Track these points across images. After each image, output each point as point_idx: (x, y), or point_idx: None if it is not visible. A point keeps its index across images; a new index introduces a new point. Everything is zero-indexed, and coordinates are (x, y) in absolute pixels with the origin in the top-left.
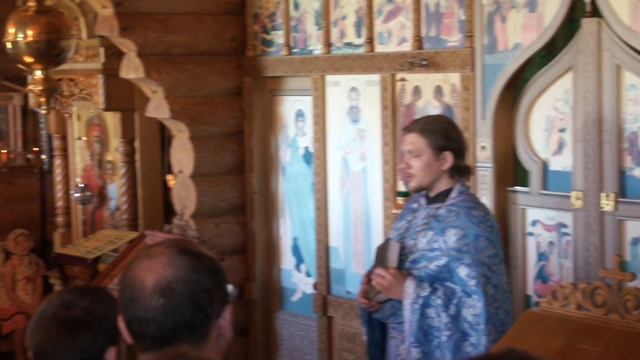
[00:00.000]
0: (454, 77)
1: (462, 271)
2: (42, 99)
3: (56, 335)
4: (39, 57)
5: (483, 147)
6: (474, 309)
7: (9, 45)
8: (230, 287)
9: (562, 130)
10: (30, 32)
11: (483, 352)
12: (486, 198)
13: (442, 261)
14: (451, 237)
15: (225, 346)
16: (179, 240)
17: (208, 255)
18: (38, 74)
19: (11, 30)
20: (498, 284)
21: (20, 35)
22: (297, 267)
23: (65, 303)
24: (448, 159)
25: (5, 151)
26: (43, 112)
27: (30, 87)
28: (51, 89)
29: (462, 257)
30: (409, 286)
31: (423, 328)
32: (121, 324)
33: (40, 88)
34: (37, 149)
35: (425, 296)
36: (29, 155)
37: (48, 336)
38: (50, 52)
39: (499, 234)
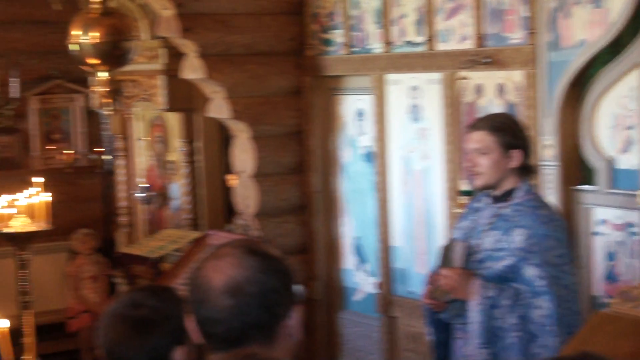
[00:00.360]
0: (517, 75)
1: (531, 271)
2: (107, 100)
3: (125, 334)
4: (104, 58)
5: (548, 146)
6: (542, 309)
7: (74, 47)
8: (298, 287)
9: (629, 128)
10: (95, 34)
11: (554, 355)
12: (551, 197)
13: (509, 261)
14: (518, 237)
15: (295, 346)
16: (246, 241)
17: (276, 256)
18: (103, 75)
19: (76, 32)
20: (568, 284)
21: (85, 37)
22: (359, 266)
23: (134, 302)
24: (516, 157)
25: (71, 152)
26: (108, 113)
27: (94, 88)
28: (115, 90)
29: (530, 258)
30: (476, 286)
31: (490, 329)
32: (191, 324)
33: (105, 89)
34: (100, 149)
35: (492, 297)
36: (92, 156)
37: (117, 335)
38: (114, 53)
39: (566, 234)
